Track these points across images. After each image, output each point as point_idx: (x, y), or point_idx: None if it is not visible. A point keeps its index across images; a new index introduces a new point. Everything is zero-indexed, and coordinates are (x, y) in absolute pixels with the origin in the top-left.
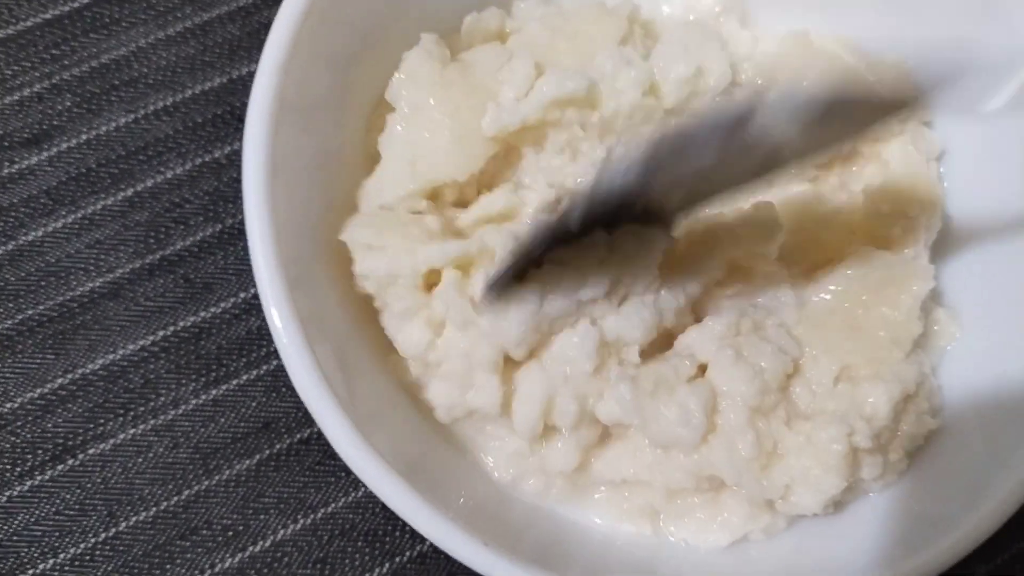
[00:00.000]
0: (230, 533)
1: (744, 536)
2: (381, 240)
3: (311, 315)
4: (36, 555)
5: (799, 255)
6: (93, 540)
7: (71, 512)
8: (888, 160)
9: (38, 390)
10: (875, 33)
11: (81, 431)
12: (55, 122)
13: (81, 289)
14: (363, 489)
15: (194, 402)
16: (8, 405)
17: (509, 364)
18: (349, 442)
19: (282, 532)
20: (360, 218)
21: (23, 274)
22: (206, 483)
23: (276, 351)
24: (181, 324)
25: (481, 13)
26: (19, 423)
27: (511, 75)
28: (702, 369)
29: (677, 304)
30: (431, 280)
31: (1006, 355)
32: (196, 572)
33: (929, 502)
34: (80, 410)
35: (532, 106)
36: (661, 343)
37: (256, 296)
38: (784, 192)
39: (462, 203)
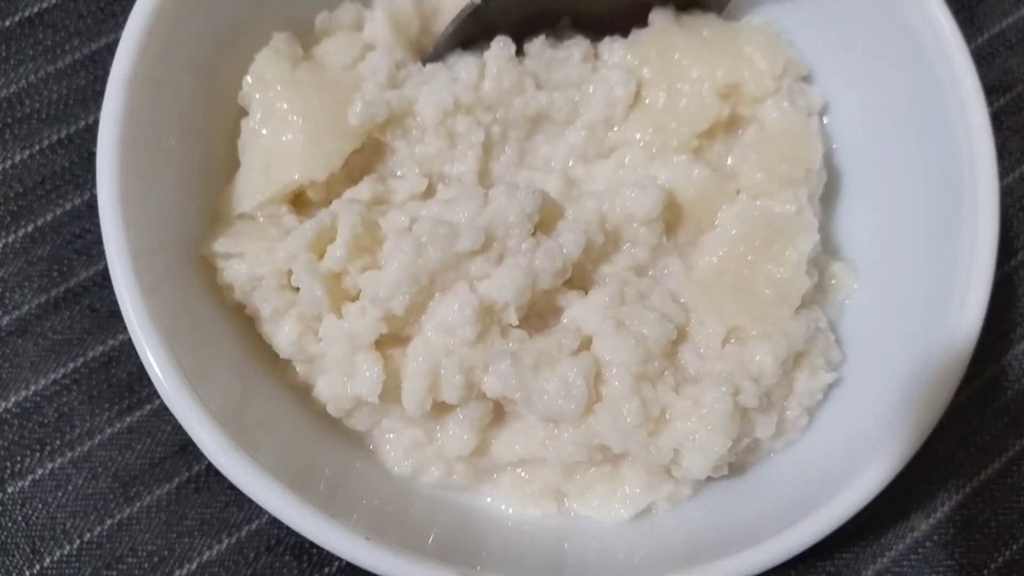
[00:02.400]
0: (155, 559)
1: (648, 507)
2: (239, 247)
3: (183, 339)
4: None
5: (685, 223)
6: None
7: None
8: (766, 121)
9: None
10: None
11: None
12: None
13: None
14: None
15: (109, 431)
16: None
17: (392, 345)
18: (231, 461)
19: (208, 553)
20: (218, 229)
21: None
22: (128, 511)
23: None
24: (90, 354)
25: (334, 10)
26: None
27: (372, 68)
28: (587, 343)
29: (554, 265)
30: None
31: (905, 304)
32: None
33: (833, 456)
34: None
35: (401, 98)
36: (547, 315)
37: None
38: (670, 166)
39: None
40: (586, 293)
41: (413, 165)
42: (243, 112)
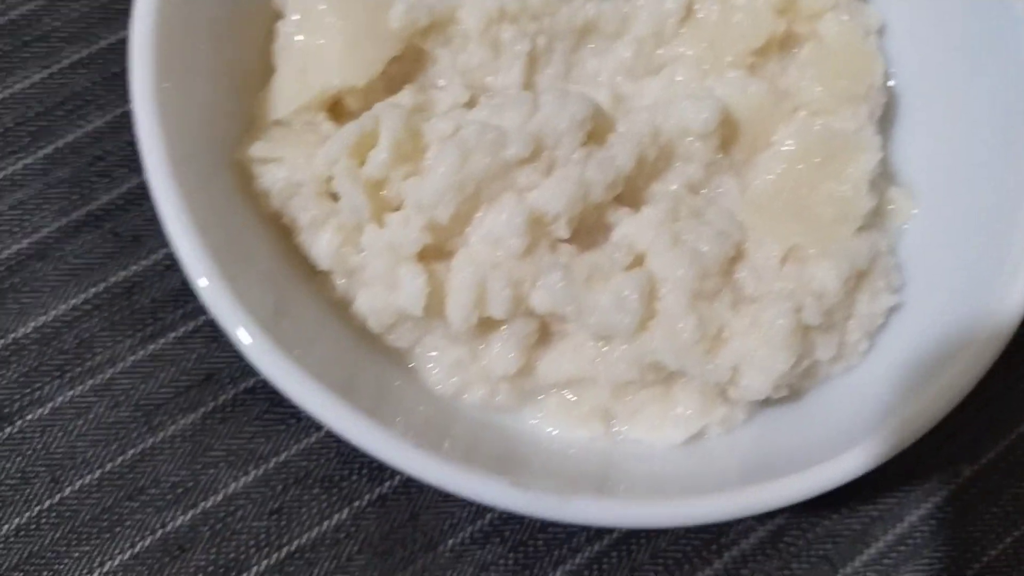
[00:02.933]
0: (179, 490)
1: (701, 431)
2: (276, 152)
3: (224, 245)
4: None
5: (740, 141)
6: (38, 508)
7: (12, 481)
8: (825, 36)
9: None
10: None
11: (17, 397)
12: None
13: (7, 252)
14: (315, 435)
15: (132, 359)
16: None
17: (436, 259)
18: (279, 369)
19: (234, 485)
20: (254, 135)
21: None
22: (151, 441)
23: None
24: (112, 280)
25: None
26: None
27: None
28: (640, 260)
29: (606, 176)
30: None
31: (965, 228)
32: (147, 532)
33: (893, 382)
34: (15, 375)
35: (444, 2)
36: (596, 233)
37: None
38: (724, 82)
39: None
40: (637, 211)
41: (455, 75)
42: (278, 15)
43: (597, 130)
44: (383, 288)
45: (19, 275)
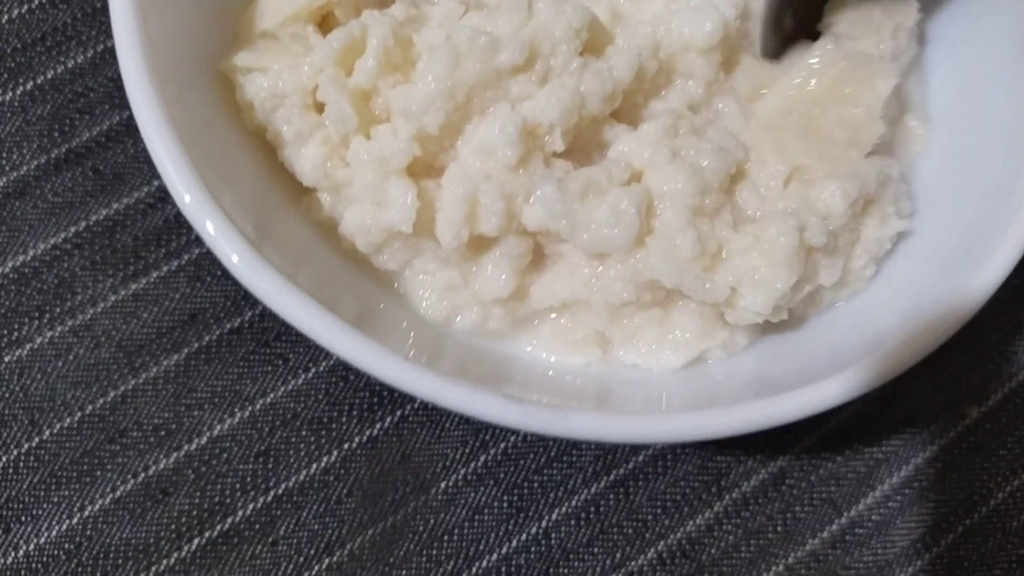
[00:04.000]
0: (162, 432)
1: (701, 355)
2: (261, 62)
3: (207, 160)
4: None
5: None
6: (16, 451)
7: None
8: None
9: None
10: None
11: None
12: None
13: None
14: (303, 376)
15: (113, 298)
16: None
17: (425, 176)
18: (267, 282)
19: (218, 427)
20: (239, 47)
21: None
22: (132, 382)
23: (197, 239)
24: (93, 218)
25: None
26: None
27: None
28: (637, 177)
29: (603, 88)
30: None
31: (980, 161)
32: (128, 476)
33: (896, 310)
34: None
35: None
36: (592, 150)
37: None
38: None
39: None
40: (635, 128)
41: None
42: None
43: (595, 41)
44: (371, 204)
45: None
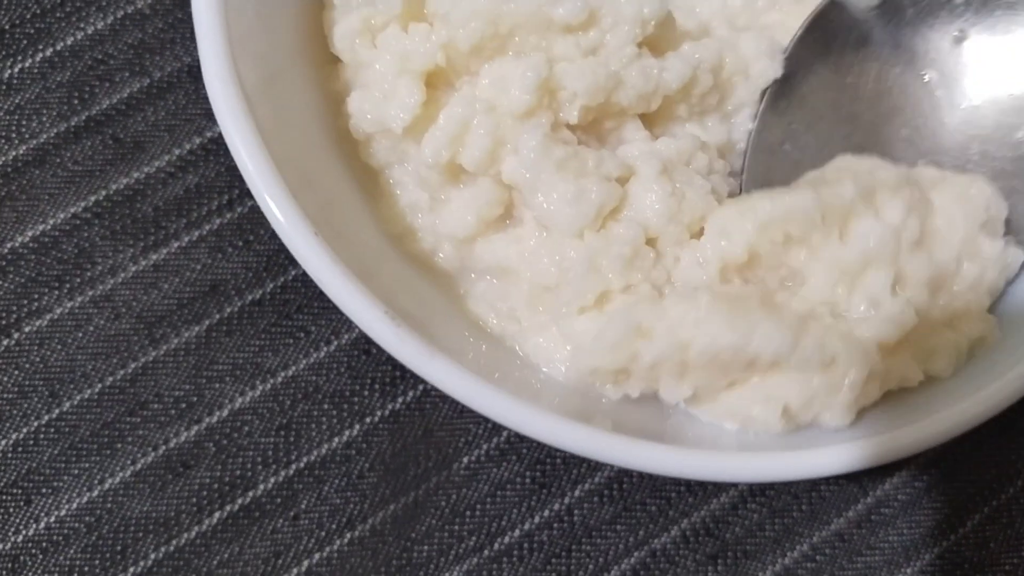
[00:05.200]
0: (183, 405)
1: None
2: None
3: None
4: None
5: None
6: (36, 423)
7: (10, 395)
8: None
9: None
10: None
11: (15, 308)
12: None
13: (4, 158)
14: (325, 349)
15: (133, 269)
16: None
17: (441, 88)
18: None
19: (240, 400)
20: None
21: None
22: (153, 354)
23: (218, 209)
24: (113, 187)
25: None
26: None
27: None
28: (625, 179)
29: (645, 85)
30: None
31: None
32: (149, 448)
33: None
34: (12, 286)
35: None
36: (604, 137)
37: (193, 151)
38: None
39: None
40: (655, 138)
41: None
42: None
43: (661, 39)
44: (379, 93)
45: (16, 182)
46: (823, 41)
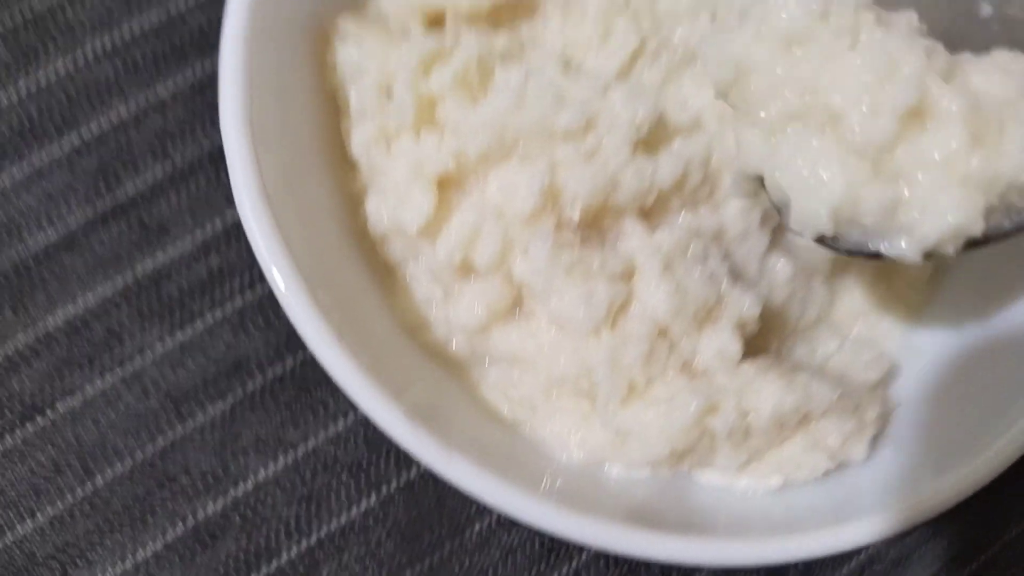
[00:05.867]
0: (210, 478)
1: (600, 460)
2: (360, 32)
3: (264, 101)
4: (13, 518)
5: None
6: (70, 498)
7: (46, 472)
8: None
9: (0, 351)
10: None
11: (48, 388)
12: None
13: (35, 243)
14: (343, 422)
15: (160, 348)
16: None
17: (452, 191)
18: (264, 238)
19: (263, 472)
20: (351, 12)
21: None
22: (180, 430)
23: (240, 289)
24: (140, 269)
25: None
26: None
27: None
28: (630, 275)
29: (639, 185)
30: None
31: None
32: (178, 520)
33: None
34: (45, 367)
35: None
36: (607, 233)
37: (215, 233)
38: None
39: None
40: (653, 231)
41: (559, 40)
42: None
43: (653, 139)
44: (394, 197)
45: (47, 267)
46: None
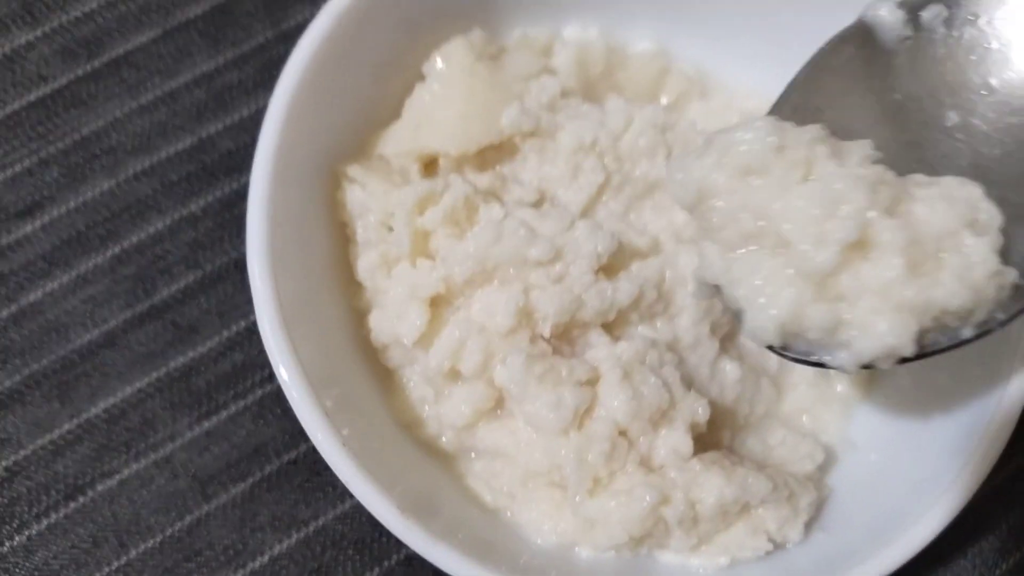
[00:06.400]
0: (231, 552)
1: (571, 543)
2: (365, 178)
3: (282, 241)
4: None
5: None
6: (107, 569)
7: (85, 545)
8: None
9: (47, 436)
10: None
11: (89, 470)
12: (45, 193)
13: (79, 341)
14: (350, 501)
15: (189, 435)
16: (22, 452)
17: (444, 306)
18: (278, 348)
19: (278, 547)
20: (359, 159)
21: (26, 332)
22: (205, 508)
23: (261, 381)
24: (172, 365)
25: (531, 33)
26: (32, 468)
27: (541, 87)
28: (595, 380)
29: (601, 304)
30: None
31: None
32: None
33: None
34: (87, 451)
35: (551, 121)
36: (576, 343)
37: (239, 332)
38: None
39: None
40: (616, 342)
41: (535, 177)
42: (422, 77)
43: (613, 264)
44: (393, 314)
45: (90, 362)
46: (847, 61)
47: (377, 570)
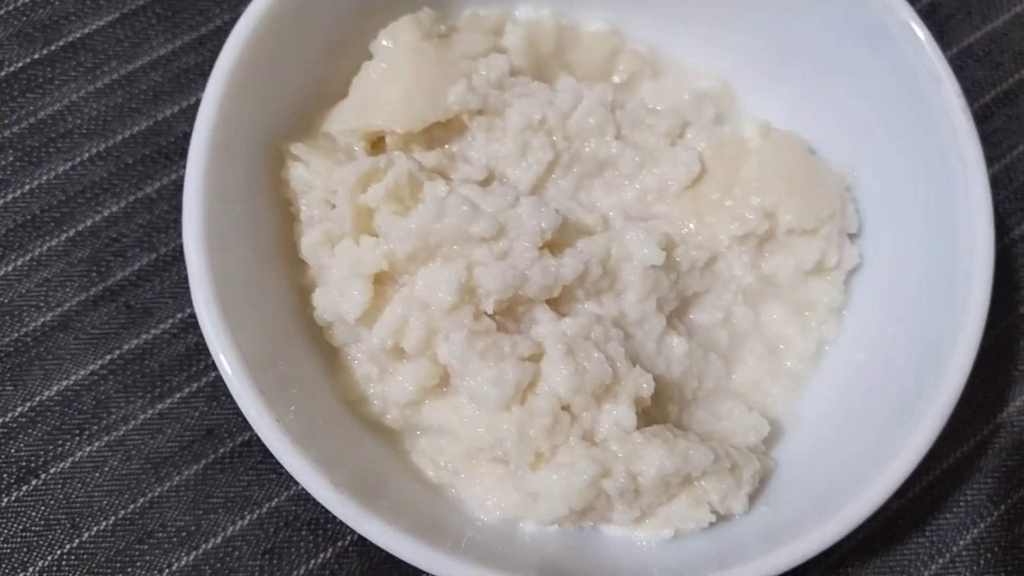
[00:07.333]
0: (184, 534)
1: (515, 518)
2: (309, 155)
3: (221, 220)
4: (7, 571)
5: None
6: (59, 552)
7: (37, 528)
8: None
9: (0, 419)
10: None
11: (42, 453)
12: (0, 176)
13: (34, 324)
14: None
15: (142, 417)
16: None
17: (387, 284)
18: (214, 329)
19: (231, 528)
20: (303, 137)
21: None
22: (158, 490)
23: (214, 364)
24: (126, 347)
25: (482, 12)
26: None
27: (490, 65)
28: (538, 357)
29: (545, 280)
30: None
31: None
32: (155, 572)
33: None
34: (40, 434)
35: (499, 99)
36: (521, 320)
37: (193, 315)
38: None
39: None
40: (561, 318)
41: (483, 155)
42: (370, 56)
43: (559, 241)
44: (336, 291)
45: (44, 344)
46: None
47: (331, 551)
